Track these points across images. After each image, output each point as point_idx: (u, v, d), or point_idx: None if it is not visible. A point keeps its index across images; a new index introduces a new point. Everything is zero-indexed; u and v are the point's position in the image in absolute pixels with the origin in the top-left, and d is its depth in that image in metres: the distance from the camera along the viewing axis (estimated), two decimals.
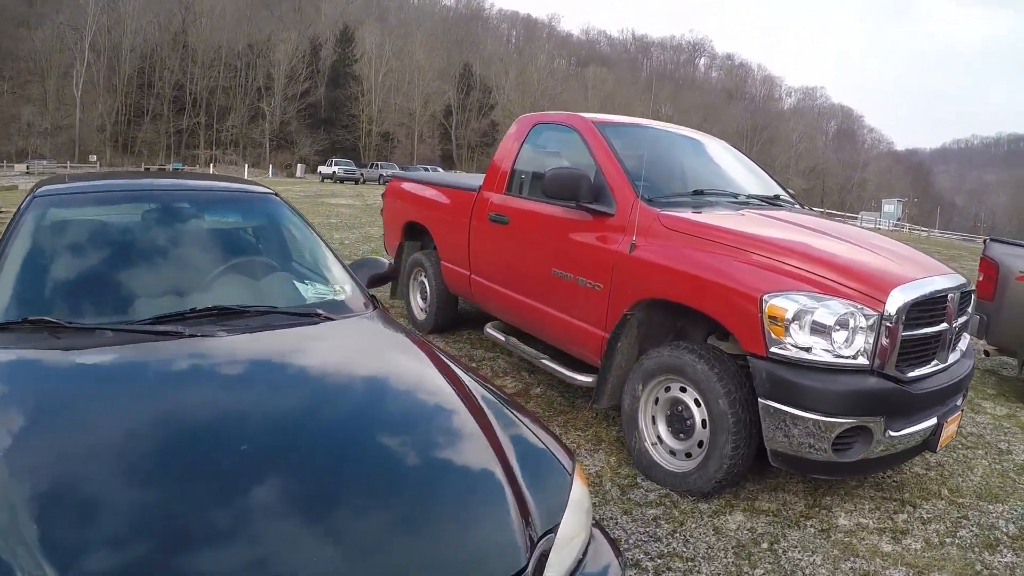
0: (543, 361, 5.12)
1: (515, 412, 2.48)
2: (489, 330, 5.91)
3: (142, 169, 60.76)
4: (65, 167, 63.27)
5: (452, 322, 6.98)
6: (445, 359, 2.80)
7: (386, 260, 3.71)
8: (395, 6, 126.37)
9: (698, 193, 4.86)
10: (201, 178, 4.60)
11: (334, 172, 51.57)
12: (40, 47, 79.63)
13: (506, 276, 5.54)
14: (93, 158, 71.10)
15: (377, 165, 59.44)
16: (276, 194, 3.91)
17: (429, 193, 6.99)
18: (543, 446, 2.31)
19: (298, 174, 69.33)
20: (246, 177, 49.61)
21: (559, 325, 4.90)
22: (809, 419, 3.40)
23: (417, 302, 7.22)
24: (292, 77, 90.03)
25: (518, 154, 5.77)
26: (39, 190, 3.44)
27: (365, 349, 2.83)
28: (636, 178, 4.52)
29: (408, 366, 2.72)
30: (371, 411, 2.32)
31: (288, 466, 1.90)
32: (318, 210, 19.04)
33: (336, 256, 3.62)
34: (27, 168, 58.88)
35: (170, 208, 3.50)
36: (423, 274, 6.97)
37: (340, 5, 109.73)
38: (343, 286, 3.35)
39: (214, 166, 69.29)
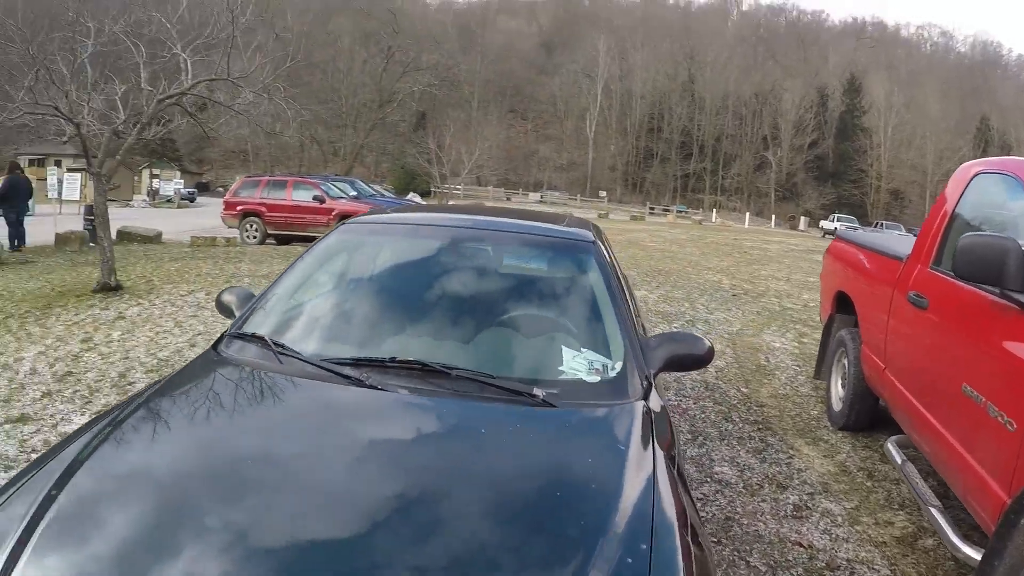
0: (930, 509, 3.63)
1: None
2: (889, 446, 4.40)
3: (646, 209, 64.44)
4: (575, 199, 69.71)
5: (869, 422, 5.41)
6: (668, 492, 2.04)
7: (706, 340, 2.86)
8: (903, 54, 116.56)
9: None
10: (521, 217, 4.17)
11: (835, 228, 49.23)
12: (558, 92, 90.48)
13: (915, 380, 4.12)
14: (603, 193, 77.65)
15: (881, 224, 56.02)
16: (595, 242, 3.41)
17: (858, 257, 5.68)
18: None
19: (801, 227, 67.60)
20: (746, 226, 50.78)
21: (955, 464, 3.38)
22: None
23: (837, 389, 5.80)
24: (799, 127, 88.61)
25: (952, 215, 4.19)
26: (351, 220, 3.64)
27: (550, 449, 2.22)
28: None
29: (583, 476, 2.07)
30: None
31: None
32: (799, 265, 17.79)
33: (634, 326, 2.96)
34: (541, 197, 65.95)
35: (464, 248, 3.35)
36: (845, 356, 5.63)
37: (847, 54, 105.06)
38: (615, 364, 2.68)
39: (717, 211, 70.87)
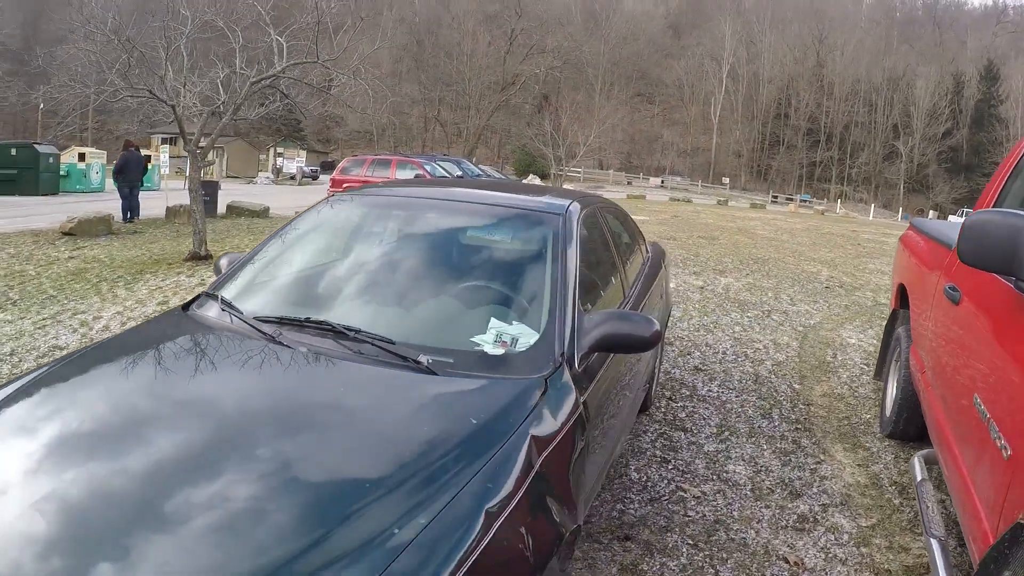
0: (930, 538, 3.20)
1: None
2: (915, 460, 3.89)
3: (769, 197, 62.41)
4: (696, 185, 68.25)
5: (918, 430, 4.71)
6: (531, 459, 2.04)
7: (655, 323, 2.65)
8: None
9: None
10: (505, 190, 4.19)
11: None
12: (684, 76, 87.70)
13: (940, 385, 3.65)
14: (725, 180, 75.57)
15: None
16: (564, 214, 3.24)
17: (918, 245, 5.15)
18: None
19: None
20: (870, 218, 48.43)
21: (957, 487, 2.98)
22: None
23: (891, 391, 5.22)
24: (932, 116, 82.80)
25: (1000, 192, 3.75)
26: (340, 193, 3.80)
27: (394, 414, 2.19)
28: None
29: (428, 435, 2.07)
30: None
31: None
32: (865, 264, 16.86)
33: (572, 301, 2.76)
34: (662, 182, 64.75)
35: (430, 220, 3.40)
36: (898, 357, 5.17)
37: (985, 39, 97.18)
38: (530, 339, 2.58)
39: (842, 202, 68.00)
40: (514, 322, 2.67)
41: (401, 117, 76.21)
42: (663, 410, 5.22)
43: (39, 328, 6.71)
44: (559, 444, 2.20)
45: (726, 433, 4.86)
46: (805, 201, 60.94)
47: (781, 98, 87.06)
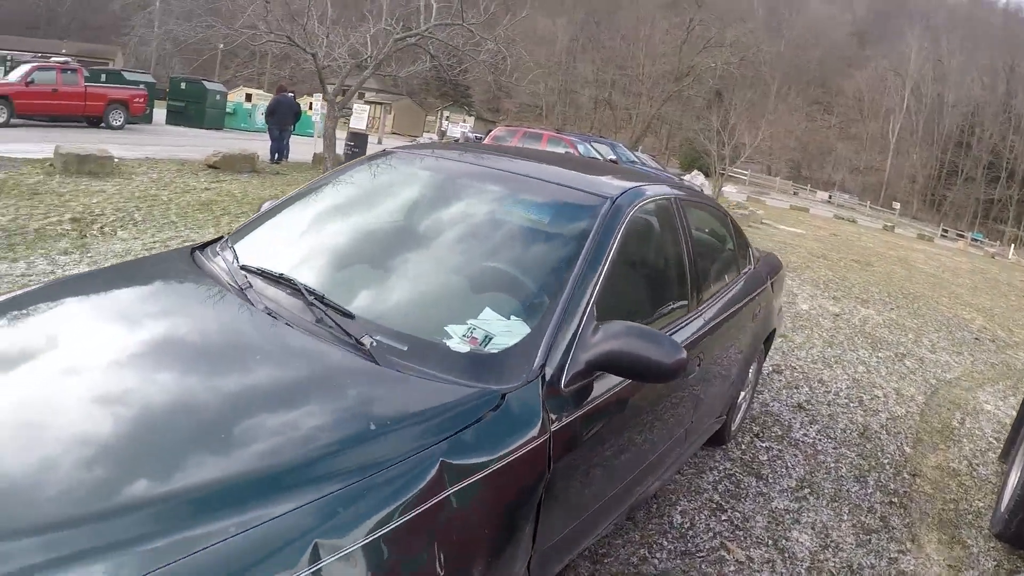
0: None
1: None
2: None
3: (939, 230, 58.50)
4: (864, 205, 64.76)
5: None
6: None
7: (680, 350, 2.11)
8: None
9: None
10: (565, 164, 3.65)
11: None
12: (864, 88, 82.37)
13: None
14: (896, 205, 70.98)
15: None
16: (613, 201, 2.68)
17: None
18: None
19: None
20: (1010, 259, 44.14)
21: None
22: None
23: (1013, 481, 4.27)
24: None
25: None
26: (394, 147, 3.49)
27: (293, 397, 1.88)
28: None
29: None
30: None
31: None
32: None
33: (582, 304, 2.26)
34: (829, 197, 61.81)
35: (469, 187, 2.96)
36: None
37: None
38: (507, 341, 2.13)
39: (1016, 247, 62.67)
40: (511, 317, 2.21)
41: (572, 95, 75.78)
42: (743, 447, 4.60)
43: (146, 249, 6.86)
44: (490, 480, 1.76)
45: (806, 490, 4.19)
46: (977, 240, 56.13)
47: (964, 125, 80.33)
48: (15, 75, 21.10)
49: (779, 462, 4.50)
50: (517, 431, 1.89)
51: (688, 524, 3.58)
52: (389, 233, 2.84)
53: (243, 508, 1.42)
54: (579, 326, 2.17)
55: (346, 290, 2.41)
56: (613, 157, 21.16)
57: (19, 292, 2.49)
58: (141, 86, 24.96)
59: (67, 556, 1.29)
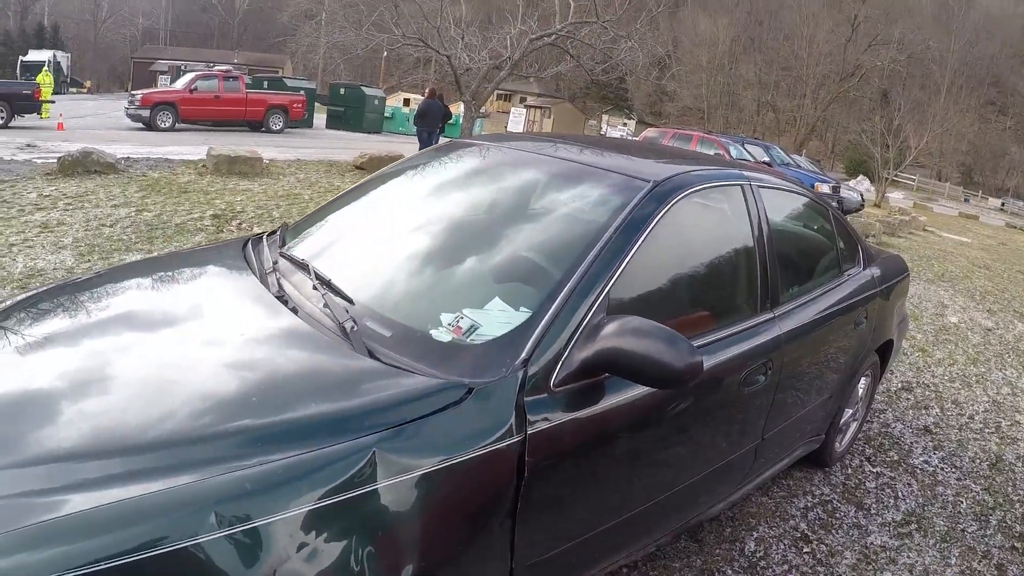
0: None
1: None
2: None
3: None
4: None
5: None
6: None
7: (693, 353, 1.89)
8: None
9: None
10: (624, 150, 3.29)
11: None
12: None
13: None
14: None
15: None
16: (652, 189, 2.44)
17: None
18: None
19: None
20: None
21: None
22: None
23: None
24: None
25: None
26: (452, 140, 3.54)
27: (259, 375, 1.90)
28: None
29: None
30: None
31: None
32: None
33: (589, 297, 2.09)
34: (1002, 205, 57.63)
35: (499, 173, 2.91)
36: None
37: None
38: (490, 333, 2.00)
39: None
40: (520, 308, 2.05)
41: (733, 98, 73.87)
42: (848, 471, 4.21)
43: None
44: (438, 478, 1.66)
45: (912, 526, 3.74)
46: None
47: None
48: (180, 83, 22.76)
49: (887, 491, 4.09)
50: (479, 429, 1.75)
51: (762, 554, 3.28)
52: (417, 221, 2.77)
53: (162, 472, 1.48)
54: (582, 321, 1.99)
55: (361, 277, 2.40)
56: (767, 159, 20.47)
57: (91, 275, 2.78)
58: (301, 92, 26.27)
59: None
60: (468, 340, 1.98)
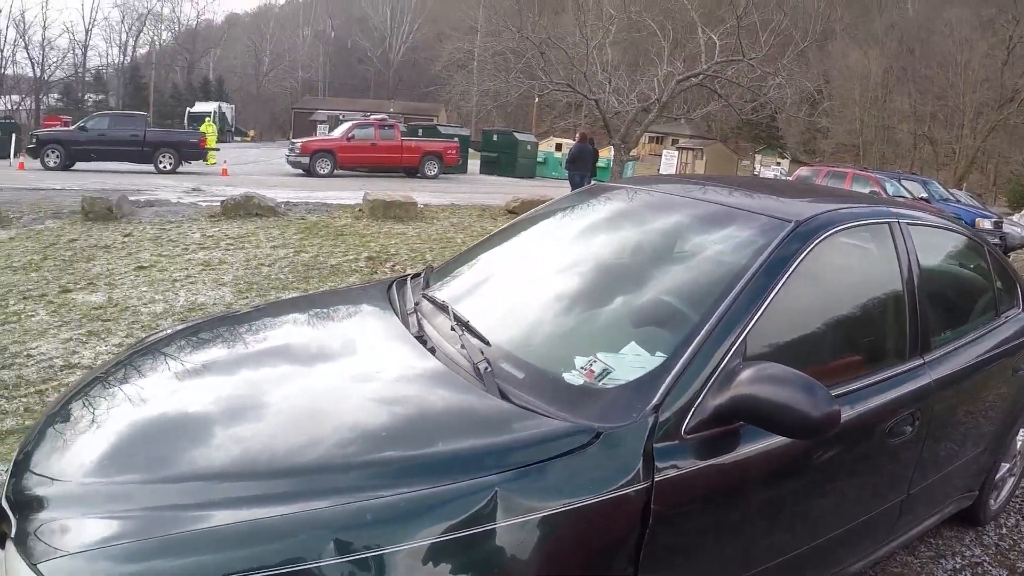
0: None
1: None
2: None
3: None
4: None
5: None
6: None
7: (831, 402, 1.81)
8: None
9: None
10: (772, 191, 3.24)
11: None
12: None
13: None
14: None
15: None
16: (794, 229, 2.36)
17: None
18: None
19: None
20: None
21: None
22: None
23: None
24: None
25: None
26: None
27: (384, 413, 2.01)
28: None
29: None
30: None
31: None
32: None
33: (725, 343, 2.03)
34: None
35: (656, 219, 2.90)
36: None
37: None
38: (623, 377, 1.99)
39: None
40: (657, 353, 2.03)
41: (888, 132, 70.90)
42: (1003, 532, 3.84)
43: None
44: (559, 521, 1.66)
45: None
46: None
47: None
48: (338, 132, 24.10)
49: None
50: (605, 474, 1.73)
51: None
52: (558, 264, 2.82)
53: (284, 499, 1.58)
54: (717, 366, 1.94)
55: (499, 319, 2.47)
56: (924, 195, 19.61)
57: (251, 309, 3.12)
58: (455, 139, 27.21)
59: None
60: (600, 384, 1.98)
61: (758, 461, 2.02)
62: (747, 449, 1.98)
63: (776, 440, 1.98)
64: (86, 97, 70.90)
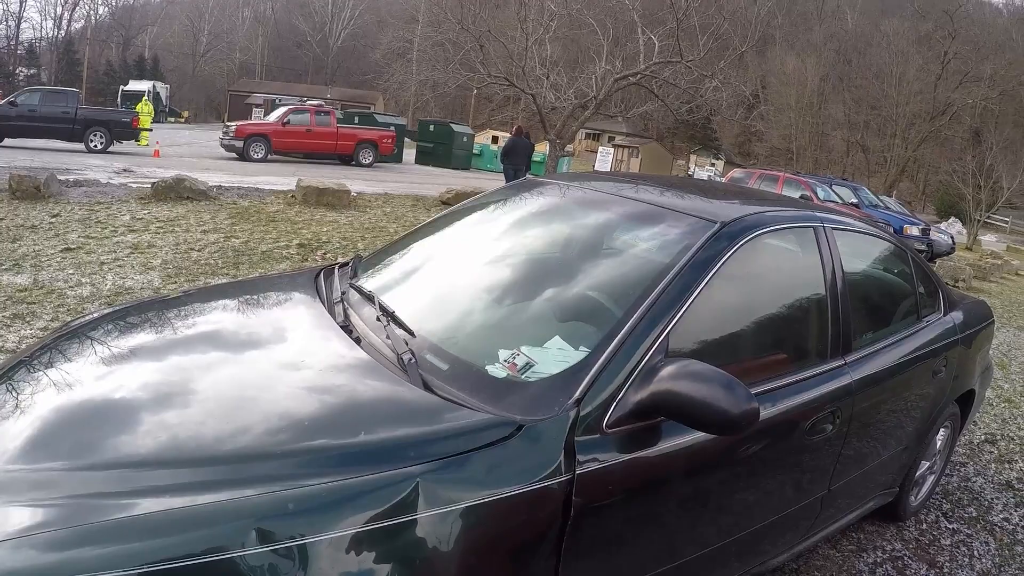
0: None
1: None
2: None
3: None
4: None
5: None
6: None
7: (749, 400, 1.85)
8: None
9: None
10: (698, 191, 3.27)
11: None
12: None
13: None
14: None
15: None
16: (721, 228, 2.43)
17: None
18: None
19: None
20: None
21: None
22: None
23: None
24: None
25: None
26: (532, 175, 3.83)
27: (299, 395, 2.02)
28: None
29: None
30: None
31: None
32: None
33: (647, 338, 2.07)
34: None
35: (582, 214, 2.93)
36: None
37: None
38: (542, 371, 2.04)
39: None
40: (580, 347, 2.07)
41: (823, 138, 72.60)
42: (923, 527, 4.06)
43: None
44: (481, 512, 1.68)
45: None
46: None
47: None
48: (273, 116, 23.73)
49: (963, 549, 3.93)
50: (527, 466, 1.76)
51: None
52: (487, 257, 2.86)
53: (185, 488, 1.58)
54: (640, 362, 1.98)
55: (426, 310, 2.49)
56: (855, 201, 20.15)
57: (179, 294, 3.09)
58: (391, 128, 27.00)
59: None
60: (522, 377, 2.01)
61: (680, 456, 2.07)
62: (669, 444, 2.03)
63: (697, 436, 2.03)
64: (17, 71, 68.41)
